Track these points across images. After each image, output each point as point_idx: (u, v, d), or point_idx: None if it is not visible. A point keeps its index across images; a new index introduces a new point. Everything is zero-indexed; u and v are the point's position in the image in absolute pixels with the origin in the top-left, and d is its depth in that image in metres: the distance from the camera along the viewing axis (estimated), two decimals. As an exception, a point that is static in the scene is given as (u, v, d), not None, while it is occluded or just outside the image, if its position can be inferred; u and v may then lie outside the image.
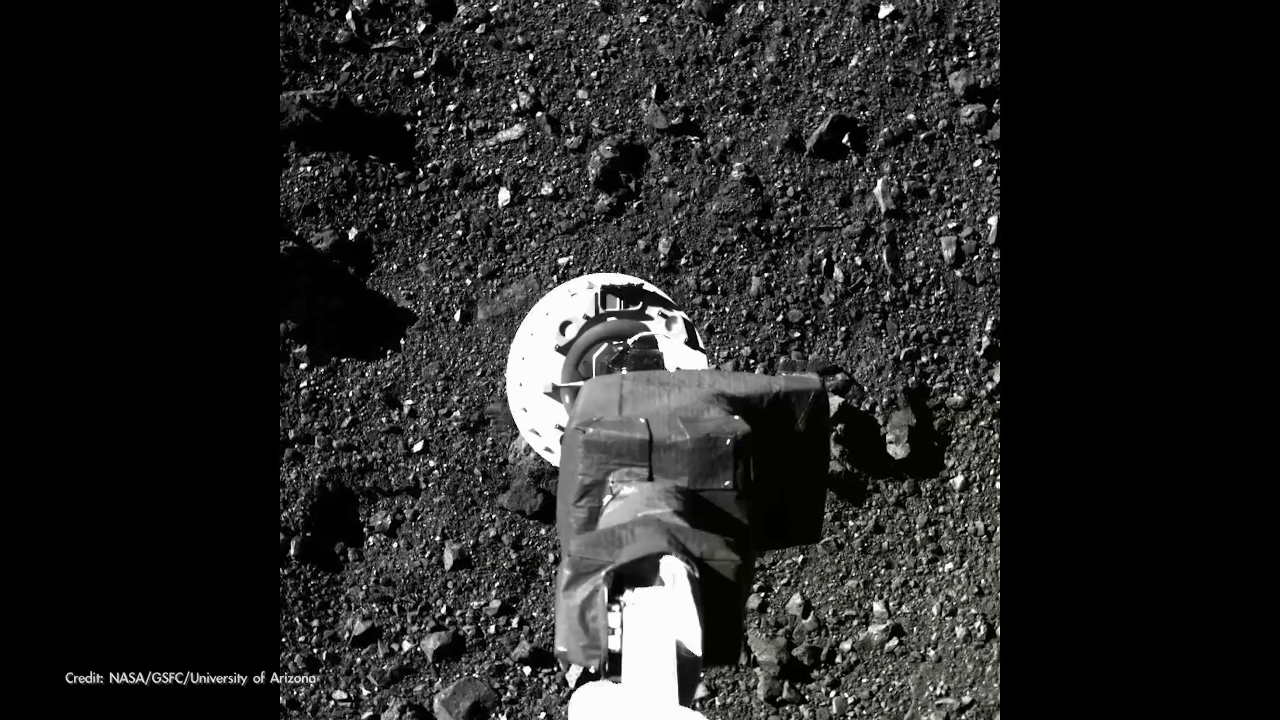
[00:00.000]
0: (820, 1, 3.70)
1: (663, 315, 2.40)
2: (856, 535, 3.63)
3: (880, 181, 3.66)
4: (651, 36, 3.65)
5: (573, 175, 3.59)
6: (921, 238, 3.68)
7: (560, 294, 2.59)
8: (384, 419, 3.52)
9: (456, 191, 3.58)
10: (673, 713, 1.15)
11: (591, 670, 1.28)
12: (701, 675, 1.31)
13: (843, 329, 3.65)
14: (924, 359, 3.69)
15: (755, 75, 3.68)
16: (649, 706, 1.15)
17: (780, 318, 3.60)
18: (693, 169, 3.63)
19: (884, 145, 3.69)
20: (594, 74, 3.65)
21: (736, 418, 1.57)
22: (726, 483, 1.50)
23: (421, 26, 3.66)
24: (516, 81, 3.64)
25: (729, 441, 1.50)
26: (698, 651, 1.24)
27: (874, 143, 3.69)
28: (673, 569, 1.31)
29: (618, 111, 3.63)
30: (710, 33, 3.67)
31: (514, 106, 3.62)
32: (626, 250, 3.47)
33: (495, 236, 3.58)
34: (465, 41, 3.66)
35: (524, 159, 3.60)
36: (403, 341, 3.54)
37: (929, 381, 3.69)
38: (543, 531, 3.58)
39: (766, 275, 3.62)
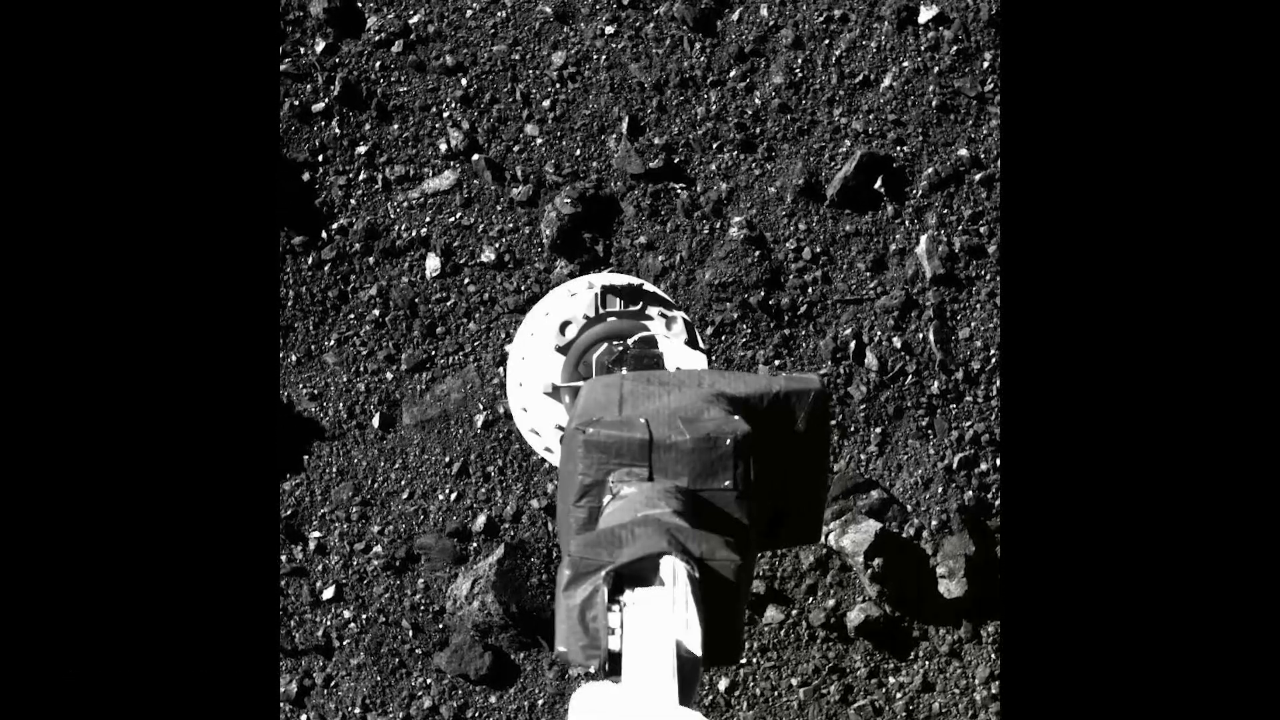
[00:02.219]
0: (841, 3, 3.43)
1: (663, 315, 2.58)
2: (899, 695, 3.31)
3: (924, 238, 3.37)
4: (621, 53, 3.40)
5: (522, 236, 3.33)
6: (978, 310, 3.40)
7: (560, 294, 2.75)
8: (284, 557, 3.27)
9: (371, 259, 3.33)
10: (673, 713, 1.25)
11: (591, 670, 1.38)
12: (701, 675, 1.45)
13: (878, 431, 3.34)
14: (984, 466, 3.36)
15: (758, 101, 3.41)
16: (649, 706, 1.26)
17: (796, 421, 3.20)
18: (679, 226, 3.35)
19: (928, 190, 3.40)
20: (546, 103, 3.38)
21: (736, 418, 1.68)
22: (726, 483, 1.61)
23: (321, 45, 3.37)
24: (446, 114, 3.37)
25: (729, 441, 1.62)
26: (698, 651, 1.35)
27: (915, 187, 3.41)
28: (673, 569, 1.42)
29: (579, 152, 3.37)
30: (698, 46, 3.41)
31: (443, 147, 3.36)
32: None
33: (423, 317, 3.30)
34: (378, 64, 3.38)
35: (458, 215, 3.34)
36: (306, 456, 3.29)
37: (990, 496, 3.36)
38: (491, 699, 3.29)
39: (777, 363, 3.32)
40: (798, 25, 3.42)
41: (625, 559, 1.42)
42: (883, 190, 3.38)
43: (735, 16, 3.40)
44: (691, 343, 2.55)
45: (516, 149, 3.36)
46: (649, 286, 2.62)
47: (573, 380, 2.53)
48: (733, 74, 3.41)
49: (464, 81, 3.37)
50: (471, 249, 3.31)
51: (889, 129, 3.41)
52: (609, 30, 3.39)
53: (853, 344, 3.33)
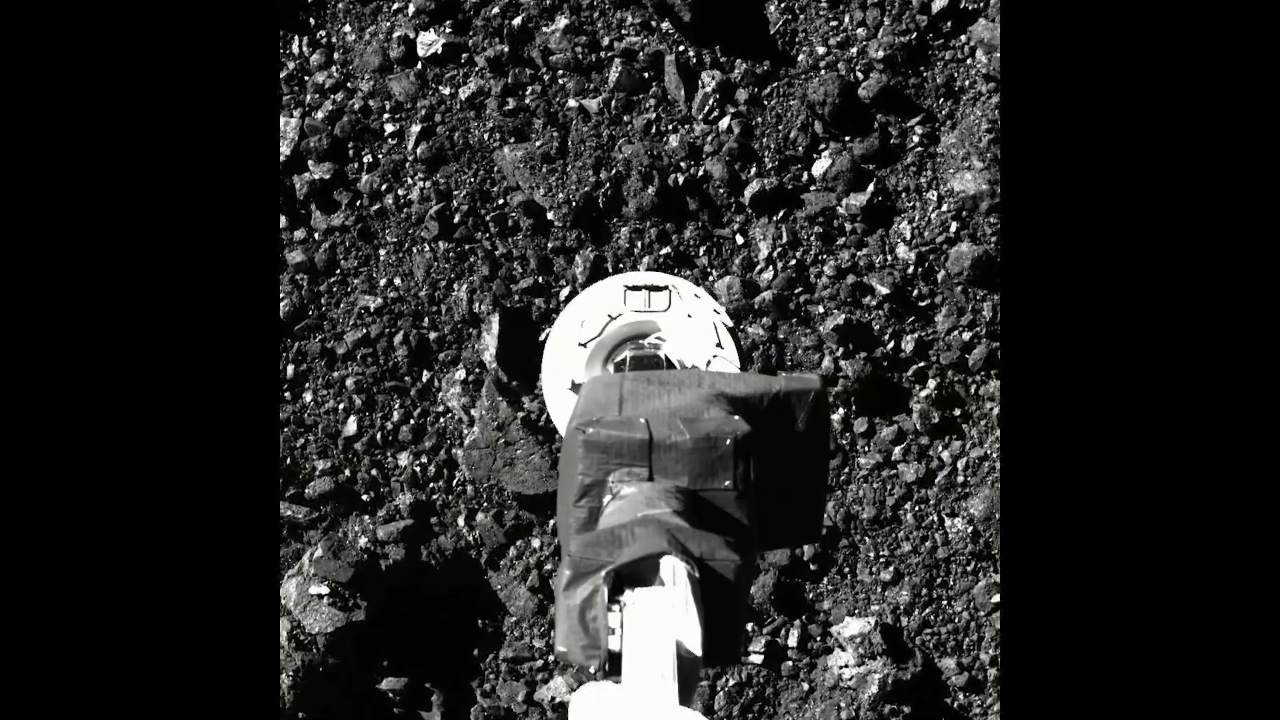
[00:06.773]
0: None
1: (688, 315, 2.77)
2: None
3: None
4: (477, 112, 2.35)
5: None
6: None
7: (590, 293, 2.88)
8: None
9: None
10: (673, 713, 1.34)
11: (591, 670, 1.46)
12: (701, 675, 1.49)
13: None
14: None
15: (879, 259, 2.43)
16: (649, 706, 1.36)
17: None
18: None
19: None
20: (345, 244, 2.45)
21: (737, 418, 1.82)
22: (726, 483, 1.76)
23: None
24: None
25: (729, 441, 1.75)
26: (698, 651, 1.45)
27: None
28: (673, 569, 1.52)
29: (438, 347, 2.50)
30: (712, 84, 2.35)
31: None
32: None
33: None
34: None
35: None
36: None
37: None
38: None
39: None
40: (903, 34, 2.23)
41: (625, 559, 1.51)
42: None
43: (775, 7, 2.11)
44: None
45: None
46: (677, 282, 2.87)
47: None
48: (800, 146, 2.29)
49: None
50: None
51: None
52: (489, 51, 2.28)
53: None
